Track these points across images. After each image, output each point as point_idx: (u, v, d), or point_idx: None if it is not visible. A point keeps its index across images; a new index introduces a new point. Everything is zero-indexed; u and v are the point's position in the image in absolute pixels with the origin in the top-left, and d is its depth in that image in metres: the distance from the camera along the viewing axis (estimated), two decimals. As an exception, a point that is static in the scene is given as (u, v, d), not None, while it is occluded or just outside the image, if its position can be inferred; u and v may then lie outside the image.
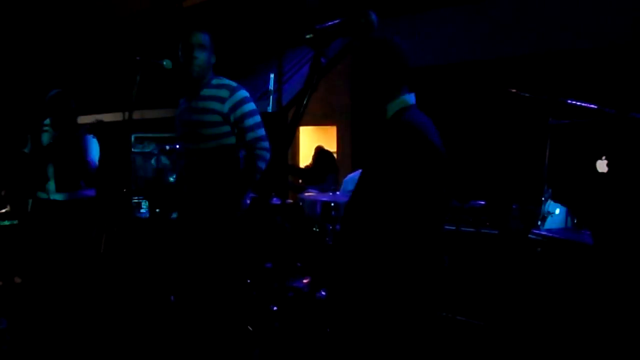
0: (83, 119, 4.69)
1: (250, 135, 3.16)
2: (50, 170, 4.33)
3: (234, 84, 3.20)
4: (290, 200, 5.23)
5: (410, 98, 2.09)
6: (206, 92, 3.18)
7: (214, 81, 3.22)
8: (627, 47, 4.37)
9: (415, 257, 1.87)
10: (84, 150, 4.32)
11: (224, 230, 3.14)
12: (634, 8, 4.40)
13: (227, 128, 3.15)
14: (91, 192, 4.50)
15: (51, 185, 4.34)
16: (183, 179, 3.31)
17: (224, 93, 3.15)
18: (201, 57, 3.15)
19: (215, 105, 3.12)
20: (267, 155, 3.17)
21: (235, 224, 3.14)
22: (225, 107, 3.12)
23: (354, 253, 1.99)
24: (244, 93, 3.18)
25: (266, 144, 3.19)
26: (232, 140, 3.18)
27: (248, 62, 6.51)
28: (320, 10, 5.68)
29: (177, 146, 5.70)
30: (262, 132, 3.19)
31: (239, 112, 3.14)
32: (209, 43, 3.21)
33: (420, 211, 1.86)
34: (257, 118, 3.19)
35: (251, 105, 3.18)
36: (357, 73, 2.12)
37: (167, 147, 5.79)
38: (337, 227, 4.04)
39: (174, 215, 4.44)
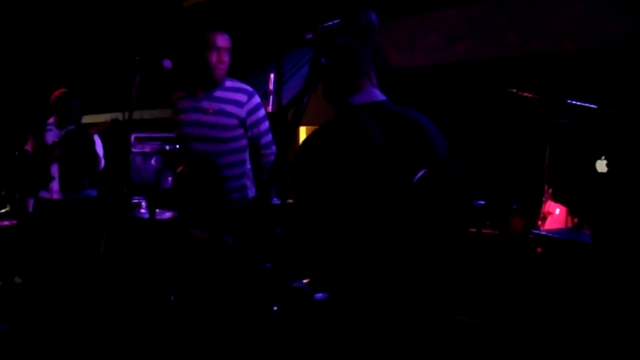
0: (84, 119, 4.69)
1: (265, 140, 3.29)
2: (55, 170, 4.33)
3: (249, 87, 3.27)
4: (291, 200, 5.22)
5: (355, 99, 2.02)
6: (221, 93, 3.20)
7: (227, 83, 3.23)
8: (627, 47, 4.37)
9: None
10: (90, 149, 4.33)
11: (233, 230, 3.17)
12: (634, 8, 4.40)
13: (240, 131, 3.23)
14: (93, 192, 4.50)
15: (55, 184, 4.33)
16: (189, 178, 3.29)
17: (241, 97, 3.20)
18: (228, 60, 3.17)
19: (233, 109, 3.17)
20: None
21: (239, 223, 3.18)
22: (244, 111, 3.19)
23: None
24: (258, 98, 3.28)
25: (275, 147, 3.32)
26: (242, 142, 3.26)
27: (248, 62, 6.51)
28: (320, 9, 5.69)
29: (177, 146, 5.68)
30: (271, 136, 3.34)
31: (254, 116, 3.23)
32: None
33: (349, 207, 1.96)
34: (267, 123, 3.31)
35: (263, 110, 3.30)
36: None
37: (167, 147, 5.77)
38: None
39: (172, 215, 4.45)
